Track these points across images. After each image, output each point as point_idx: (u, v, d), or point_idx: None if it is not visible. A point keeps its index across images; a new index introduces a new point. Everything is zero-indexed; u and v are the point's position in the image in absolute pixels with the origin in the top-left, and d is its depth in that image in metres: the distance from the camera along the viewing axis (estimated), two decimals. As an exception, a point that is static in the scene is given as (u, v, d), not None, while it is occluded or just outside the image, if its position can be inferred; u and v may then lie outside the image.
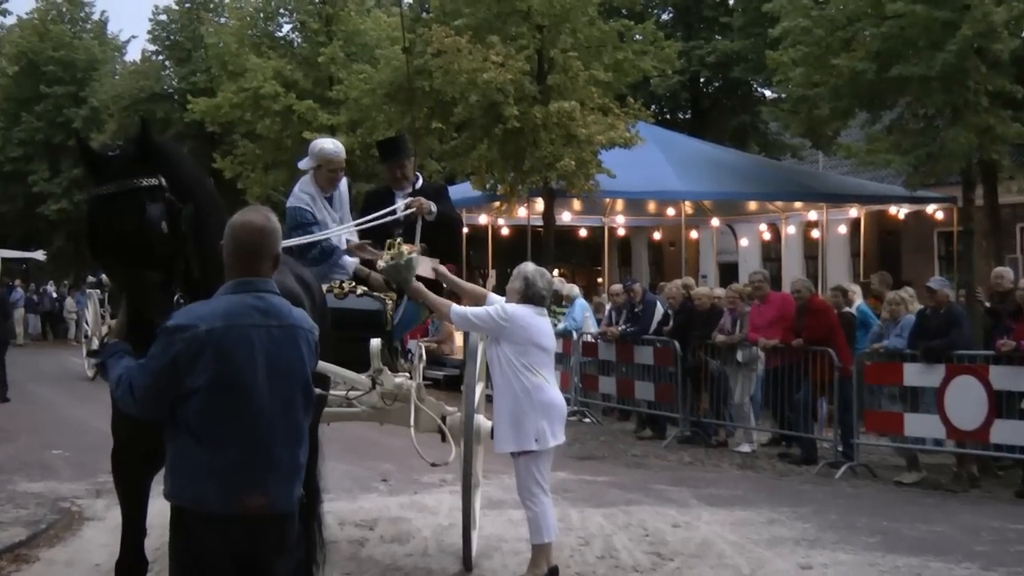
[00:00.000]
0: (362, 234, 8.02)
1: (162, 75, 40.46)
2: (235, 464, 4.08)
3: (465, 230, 24.05)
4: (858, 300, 15.42)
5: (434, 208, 7.90)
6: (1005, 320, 11.87)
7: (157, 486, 5.26)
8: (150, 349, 4.14)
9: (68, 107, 42.03)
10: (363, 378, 7.15)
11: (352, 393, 7.23)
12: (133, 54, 78.51)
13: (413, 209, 7.85)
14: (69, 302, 38.69)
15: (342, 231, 7.86)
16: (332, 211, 8.02)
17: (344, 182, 8.29)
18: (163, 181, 4.53)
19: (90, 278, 27.99)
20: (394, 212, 7.85)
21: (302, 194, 8.00)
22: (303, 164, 8.22)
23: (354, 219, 8.15)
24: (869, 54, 16.91)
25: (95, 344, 21.82)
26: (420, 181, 8.48)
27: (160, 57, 40.98)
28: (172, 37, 40.28)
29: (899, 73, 16.27)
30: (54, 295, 41.23)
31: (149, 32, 40.89)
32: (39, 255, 43.08)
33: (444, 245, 8.12)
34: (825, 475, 12.53)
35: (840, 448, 12.95)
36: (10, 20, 42.48)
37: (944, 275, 19.08)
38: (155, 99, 38.75)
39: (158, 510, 5.40)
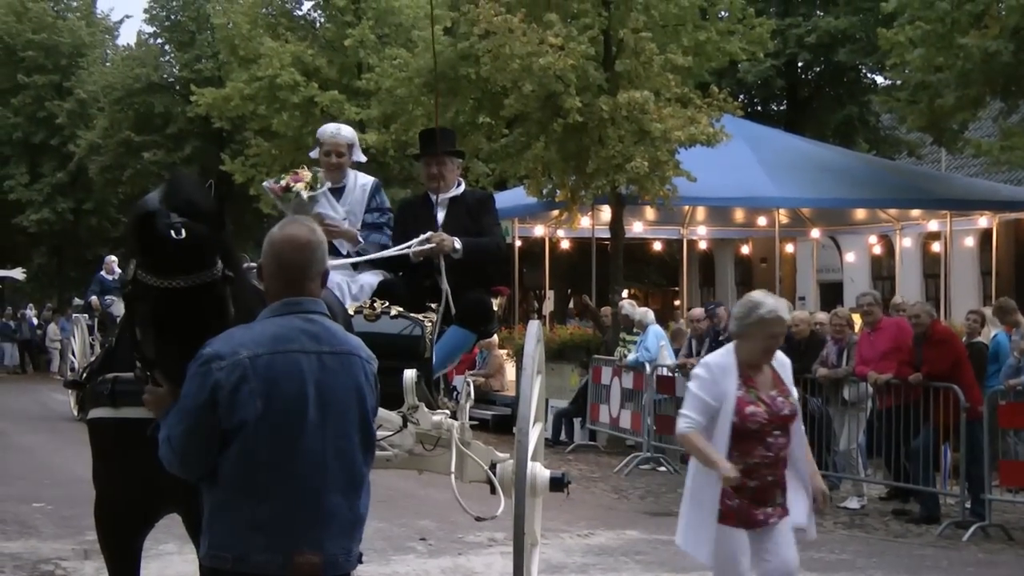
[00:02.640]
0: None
1: (161, 62, 40.94)
2: (284, 516, 4.10)
3: (518, 244, 24.23)
4: (995, 328, 15.32)
5: (458, 245, 7.88)
6: None
7: (154, 544, 5.34)
8: (183, 388, 4.14)
9: (51, 99, 42.29)
10: (392, 415, 7.16)
11: (380, 433, 7.26)
12: (127, 37, 79.83)
13: (432, 245, 7.87)
14: (52, 329, 39.01)
15: (349, 262, 7.93)
16: (338, 207, 8.11)
17: (367, 182, 8.39)
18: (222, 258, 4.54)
19: (76, 301, 28.36)
20: (411, 249, 7.88)
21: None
22: (312, 153, 8.42)
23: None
24: (1004, 32, 16.82)
25: (70, 375, 22.07)
26: (462, 187, 8.53)
27: (159, 41, 41.48)
28: (173, 17, 40.76)
29: (1040, 55, 16.19)
30: (35, 321, 41.61)
31: (145, 11, 41.39)
32: (17, 274, 43.62)
33: (483, 271, 8.14)
34: (950, 537, 12.43)
35: (968, 505, 12.84)
36: (-18, -2, 42.97)
37: (1094, 297, 18.87)
38: (153, 90, 39.20)
39: (155, 575, 5.48)
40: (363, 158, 8.56)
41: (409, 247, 7.88)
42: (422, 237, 7.88)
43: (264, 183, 8.06)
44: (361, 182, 8.37)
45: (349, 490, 4.24)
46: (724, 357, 6.72)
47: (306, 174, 7.97)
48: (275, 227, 4.36)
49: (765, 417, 6.55)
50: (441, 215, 8.21)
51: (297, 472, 4.11)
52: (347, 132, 8.40)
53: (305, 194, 7.81)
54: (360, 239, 8.15)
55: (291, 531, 4.10)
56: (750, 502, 6.50)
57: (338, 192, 8.22)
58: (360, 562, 4.33)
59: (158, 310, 4.42)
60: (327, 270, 4.41)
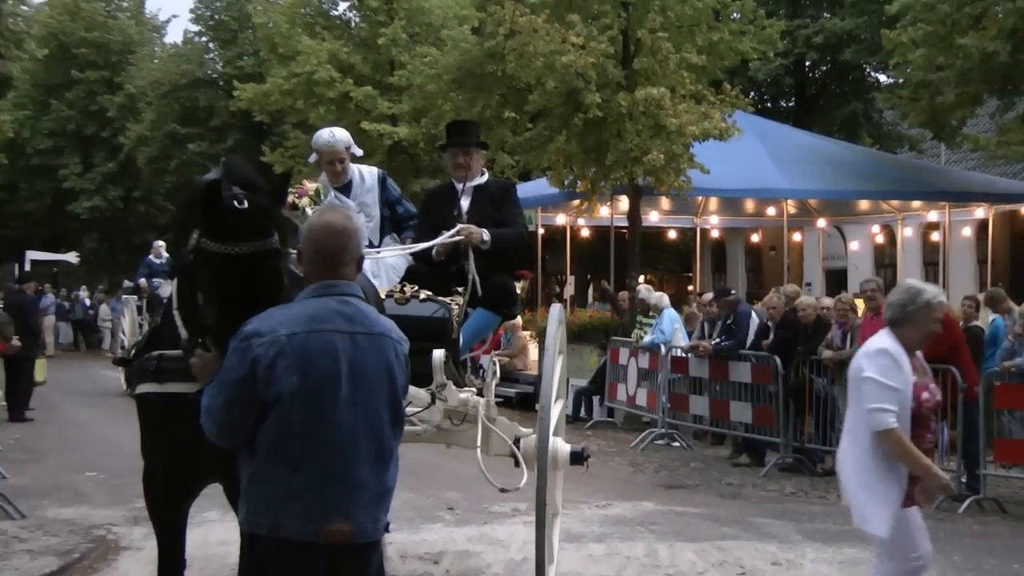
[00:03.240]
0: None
1: (205, 59, 40.99)
2: (316, 486, 4.13)
3: (541, 231, 24.20)
4: (992, 313, 15.28)
5: (487, 236, 7.88)
6: None
7: (198, 512, 5.36)
8: (224, 363, 4.19)
9: (102, 94, 42.53)
10: (422, 392, 7.19)
11: (410, 409, 7.26)
12: (173, 36, 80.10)
13: (461, 237, 7.86)
14: (104, 309, 39.11)
15: (386, 253, 7.93)
16: (349, 202, 8.13)
17: (371, 174, 8.41)
18: (275, 233, 4.61)
19: (126, 283, 28.43)
20: (439, 242, 7.87)
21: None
22: (310, 159, 8.43)
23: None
24: (1002, 32, 16.73)
25: (120, 353, 22.17)
26: (486, 176, 8.52)
27: (203, 39, 41.50)
28: (216, 17, 40.77)
29: (1035, 54, 16.10)
30: (87, 302, 41.71)
31: (191, 11, 41.67)
32: (71, 257, 43.79)
33: (506, 257, 8.13)
34: (947, 510, 12.40)
35: (964, 480, 12.82)
36: (39, -2, 43.09)
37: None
38: (197, 85, 39.28)
39: (199, 541, 5.51)
40: (360, 151, 8.57)
41: (442, 239, 7.88)
42: (453, 231, 7.87)
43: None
44: (368, 175, 8.39)
45: (378, 463, 4.26)
46: (891, 342, 6.27)
47: (310, 187, 7.95)
48: (313, 215, 4.39)
49: (934, 402, 6.31)
50: (466, 203, 8.22)
51: (329, 444, 4.14)
52: (341, 135, 8.39)
53: (310, 210, 7.80)
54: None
55: (323, 500, 4.13)
56: (910, 485, 6.21)
57: (345, 189, 8.25)
58: (387, 531, 4.36)
59: (221, 275, 4.50)
60: (362, 256, 4.43)
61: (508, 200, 8.40)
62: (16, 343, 13.45)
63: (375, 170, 8.52)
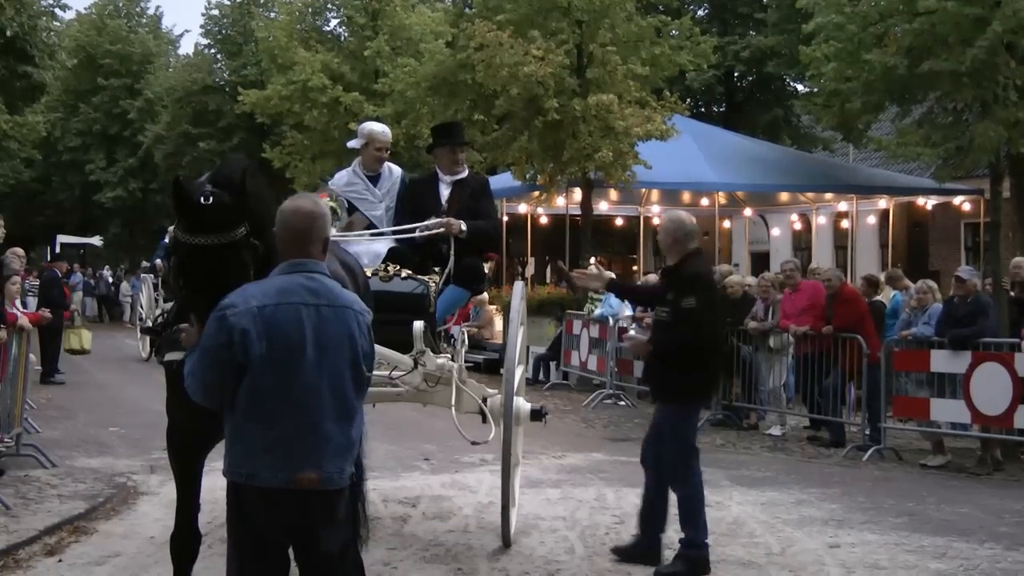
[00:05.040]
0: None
1: (214, 68, 40.69)
2: (287, 440, 4.12)
3: (505, 219, 24.17)
4: (891, 289, 15.39)
5: (464, 227, 7.82)
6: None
7: (209, 463, 5.35)
8: (204, 331, 4.18)
9: (124, 99, 42.37)
10: (406, 358, 7.18)
11: (395, 373, 7.26)
12: (186, 48, 79.09)
13: (442, 229, 7.81)
14: (124, 286, 39.02)
15: (364, 236, 7.87)
16: (375, 191, 8.09)
17: (397, 172, 8.35)
18: (247, 227, 4.58)
19: (144, 263, 28.25)
20: (421, 229, 7.81)
21: (341, 176, 8.15)
22: (352, 143, 8.36)
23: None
24: (901, 50, 16.79)
25: (148, 323, 22.02)
26: (466, 172, 8.49)
27: (212, 51, 41.22)
28: (224, 31, 40.50)
29: (930, 68, 16.14)
30: (110, 279, 41.57)
31: (202, 27, 41.19)
32: (96, 241, 43.48)
33: (477, 244, 8.09)
34: (853, 458, 12.50)
35: (868, 432, 12.91)
36: (69, 15, 42.83)
37: (971, 265, 18.91)
38: (207, 91, 38.98)
39: (210, 486, 5.49)
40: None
41: (426, 226, 7.83)
42: (436, 222, 7.82)
43: None
44: (394, 171, 8.33)
45: (342, 419, 4.25)
46: None
47: (326, 203, 7.83)
48: (286, 203, 4.38)
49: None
50: (446, 194, 8.17)
51: (298, 403, 4.14)
52: (389, 132, 8.38)
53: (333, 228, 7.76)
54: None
55: (294, 453, 4.13)
56: None
57: (375, 179, 8.19)
58: (352, 480, 4.36)
59: (185, 263, 4.54)
60: (327, 237, 4.41)
61: (484, 194, 8.38)
62: (47, 315, 13.31)
63: (400, 170, 8.46)
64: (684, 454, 7.39)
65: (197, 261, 4.50)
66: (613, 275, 7.43)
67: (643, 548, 7.49)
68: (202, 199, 4.52)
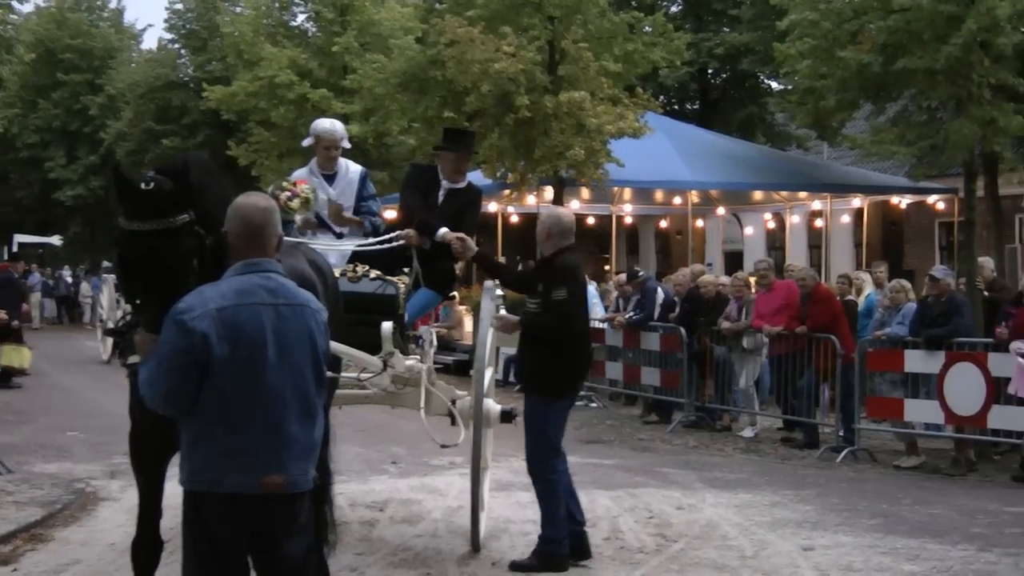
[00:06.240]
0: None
1: (178, 63, 40.40)
2: (251, 443, 4.11)
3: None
4: (868, 289, 15.46)
5: (426, 245, 7.88)
6: (1006, 307, 11.93)
7: (172, 468, 5.34)
8: (161, 336, 4.15)
9: (85, 95, 41.95)
10: (375, 359, 7.18)
11: (363, 375, 7.25)
12: (149, 43, 78.73)
13: (402, 242, 7.82)
14: (84, 287, 38.79)
15: (334, 247, 7.87)
16: (329, 190, 8.07)
17: (356, 170, 8.33)
18: (192, 215, 4.56)
19: (105, 263, 28.08)
20: (389, 241, 7.84)
21: (298, 175, 8.15)
22: (305, 142, 8.37)
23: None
24: (875, 47, 16.86)
25: (111, 325, 21.90)
26: (466, 183, 8.48)
27: (176, 46, 40.90)
28: (188, 26, 40.19)
29: (904, 66, 16.23)
30: (69, 280, 41.31)
31: (165, 21, 40.90)
32: (55, 240, 43.19)
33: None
34: (827, 459, 12.59)
35: (842, 433, 13.00)
36: (28, 8, 42.51)
37: (945, 264, 19.07)
38: (171, 87, 38.72)
39: (173, 492, 5.48)
40: (348, 145, 8.49)
41: (389, 239, 7.84)
42: (397, 234, 7.83)
43: (271, 187, 7.97)
44: (352, 169, 8.31)
45: (305, 420, 4.24)
46: None
47: (304, 189, 7.83)
48: (238, 199, 4.37)
49: None
50: (441, 198, 8.23)
51: (261, 404, 4.12)
52: (340, 127, 8.33)
53: (299, 217, 7.77)
54: (363, 224, 8.14)
55: (258, 456, 4.11)
56: None
57: (330, 178, 8.17)
58: (315, 483, 4.34)
59: (124, 251, 4.52)
60: (281, 235, 4.42)
61: (471, 209, 8.38)
62: (3, 316, 13.18)
63: (359, 167, 8.43)
64: (543, 449, 7.52)
65: (136, 248, 4.48)
66: (476, 248, 7.66)
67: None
68: (143, 185, 4.52)
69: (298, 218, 7.80)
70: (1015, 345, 11.03)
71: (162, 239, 4.47)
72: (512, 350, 20.08)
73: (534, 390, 7.67)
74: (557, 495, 7.50)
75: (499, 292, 7.80)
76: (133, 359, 5.23)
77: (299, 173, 8.28)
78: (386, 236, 7.87)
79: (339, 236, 8.12)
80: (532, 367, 7.72)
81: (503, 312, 7.88)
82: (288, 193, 7.76)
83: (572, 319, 7.48)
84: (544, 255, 7.78)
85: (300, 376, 4.23)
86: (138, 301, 4.59)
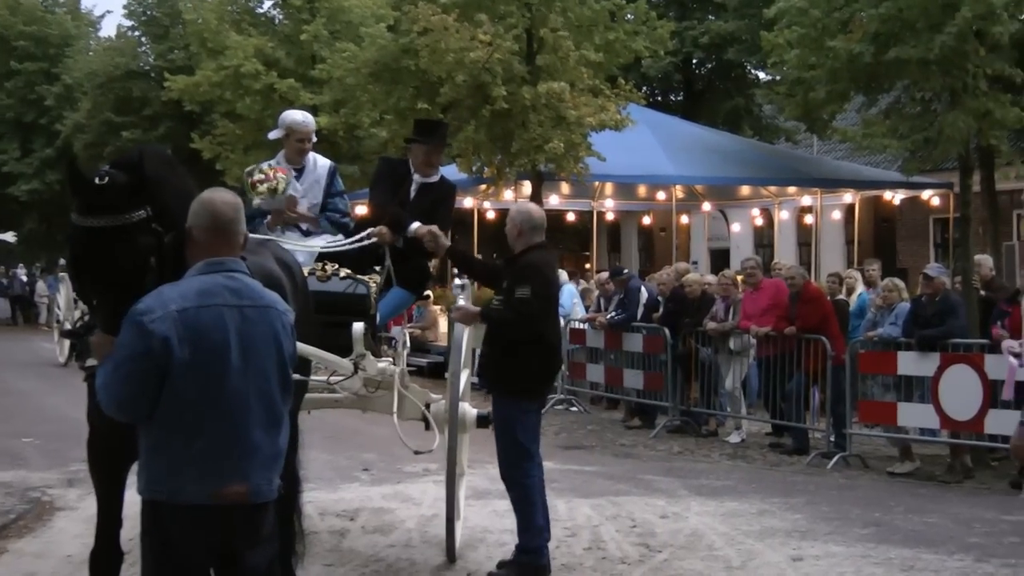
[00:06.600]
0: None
1: (138, 52, 40.22)
2: (213, 450, 4.07)
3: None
4: (859, 288, 15.51)
5: (399, 243, 7.88)
6: (1000, 305, 11.97)
7: (131, 476, 5.30)
8: (119, 339, 4.10)
9: (40, 84, 41.73)
10: (345, 362, 7.14)
11: (334, 378, 7.23)
12: (108, 30, 78.47)
13: (374, 240, 7.81)
14: (40, 286, 38.57)
15: (303, 248, 7.84)
16: (297, 186, 8.04)
17: (325, 164, 8.30)
18: (150, 211, 4.51)
19: (62, 261, 27.91)
20: (362, 240, 7.82)
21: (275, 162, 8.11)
22: (273, 134, 8.33)
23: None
24: (866, 36, 16.91)
25: (67, 326, 21.78)
26: (438, 177, 8.46)
27: (136, 33, 40.72)
28: (149, 13, 40.01)
29: (897, 56, 16.29)
30: (24, 279, 41.08)
31: (125, 7, 40.60)
32: (9, 237, 42.93)
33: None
34: (817, 465, 12.62)
35: (832, 438, 13.04)
36: (-21, -7, 42.26)
37: (940, 262, 19.15)
38: (131, 76, 38.54)
39: (132, 500, 5.44)
40: (314, 139, 8.46)
41: (361, 238, 7.82)
42: (365, 233, 7.82)
43: (247, 170, 7.97)
44: (320, 164, 8.28)
45: (270, 426, 4.22)
46: None
47: (280, 177, 7.82)
48: (204, 194, 4.34)
49: None
50: (413, 193, 8.20)
51: (224, 411, 4.08)
52: (311, 120, 8.33)
53: (259, 199, 7.77)
54: (318, 222, 8.12)
55: (220, 465, 4.08)
56: None
57: (298, 172, 8.14)
58: (279, 492, 4.31)
59: (77, 249, 4.47)
60: (247, 233, 4.39)
61: (445, 204, 8.38)
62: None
63: (328, 162, 8.41)
64: (515, 453, 7.51)
65: (90, 246, 4.42)
66: (448, 243, 7.70)
67: None
68: (97, 179, 4.47)
69: (256, 201, 7.77)
70: (1007, 344, 11.03)
71: (117, 236, 4.41)
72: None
73: (499, 392, 7.67)
74: (533, 501, 7.49)
75: (459, 281, 7.77)
76: (91, 362, 5.19)
77: (275, 163, 8.22)
78: (358, 236, 7.83)
79: (305, 233, 8.08)
80: (493, 367, 7.73)
81: (462, 302, 7.85)
82: (261, 176, 7.75)
83: (532, 318, 7.44)
84: (514, 252, 7.74)
85: (265, 381, 4.20)
86: (94, 301, 4.55)
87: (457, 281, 7.85)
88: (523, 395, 7.58)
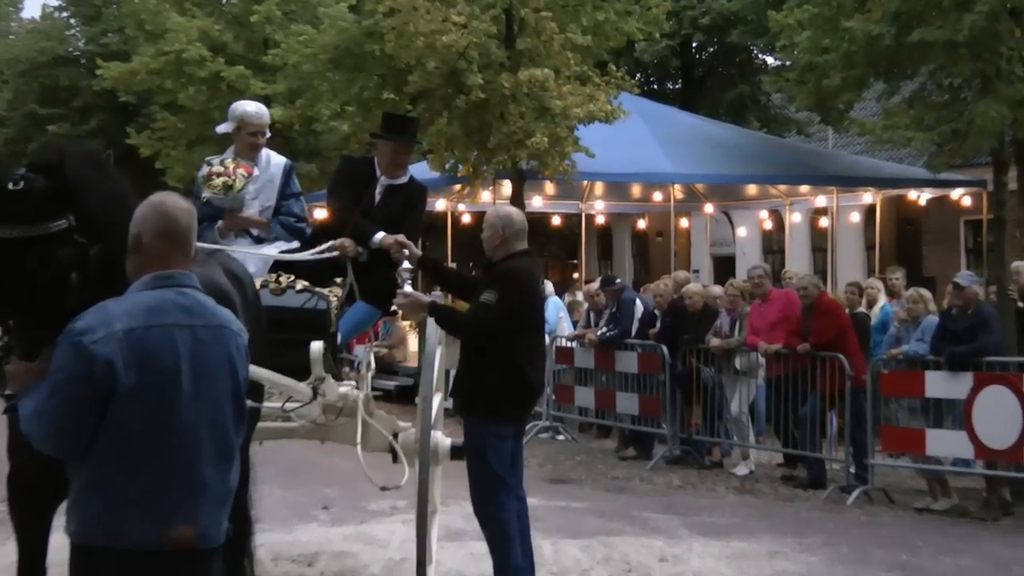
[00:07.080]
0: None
1: (67, 35, 40.17)
2: (159, 488, 4.02)
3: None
4: (881, 299, 15.52)
5: (362, 250, 7.90)
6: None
7: (58, 518, 5.24)
8: (54, 362, 4.02)
9: (-46, 72, 41.66)
10: (303, 386, 7.12)
11: (289, 405, 7.19)
12: (32, 11, 78.21)
13: (335, 253, 7.82)
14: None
15: (255, 253, 7.82)
16: (249, 187, 8.02)
17: (280, 162, 8.29)
18: (72, 220, 4.44)
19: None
20: (322, 252, 7.82)
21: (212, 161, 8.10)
22: (222, 128, 8.31)
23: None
24: (887, 15, 16.98)
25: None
26: (407, 178, 8.46)
27: (64, 15, 40.68)
28: (78, -9, 40.04)
29: (921, 37, 16.36)
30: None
31: (51, -16, 40.68)
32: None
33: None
34: (835, 500, 12.62)
35: (852, 469, 13.04)
36: None
37: (972, 270, 19.20)
38: (58, 63, 38.47)
39: (59, 545, 5.39)
40: (268, 133, 8.44)
41: (320, 251, 7.80)
42: (331, 244, 7.80)
43: (207, 159, 7.99)
44: (274, 162, 8.28)
45: (221, 462, 4.18)
46: None
47: (241, 175, 7.82)
48: (155, 197, 4.28)
49: None
50: (378, 196, 8.22)
51: (171, 445, 4.03)
52: (265, 112, 8.33)
53: (209, 192, 7.76)
54: (270, 227, 8.10)
55: (165, 504, 4.03)
56: None
57: None
58: (229, 535, 4.26)
59: None
60: (197, 246, 4.38)
61: (414, 208, 8.39)
62: None
63: (284, 160, 8.40)
64: (488, 485, 7.50)
65: (1, 260, 4.32)
66: (419, 253, 7.73)
67: None
68: (10, 184, 4.39)
69: (206, 194, 7.75)
70: None
71: (33, 249, 4.35)
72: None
73: (469, 412, 7.68)
74: (511, 537, 7.47)
75: (407, 265, 7.68)
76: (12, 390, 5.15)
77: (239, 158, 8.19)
78: (317, 249, 7.80)
79: (256, 239, 8.06)
80: (463, 386, 7.74)
81: (408, 288, 7.75)
82: (221, 169, 7.74)
83: (487, 325, 7.41)
84: (493, 260, 7.73)
85: (218, 410, 4.16)
86: (9, 323, 4.49)
87: (406, 264, 7.73)
88: (491, 417, 7.54)
